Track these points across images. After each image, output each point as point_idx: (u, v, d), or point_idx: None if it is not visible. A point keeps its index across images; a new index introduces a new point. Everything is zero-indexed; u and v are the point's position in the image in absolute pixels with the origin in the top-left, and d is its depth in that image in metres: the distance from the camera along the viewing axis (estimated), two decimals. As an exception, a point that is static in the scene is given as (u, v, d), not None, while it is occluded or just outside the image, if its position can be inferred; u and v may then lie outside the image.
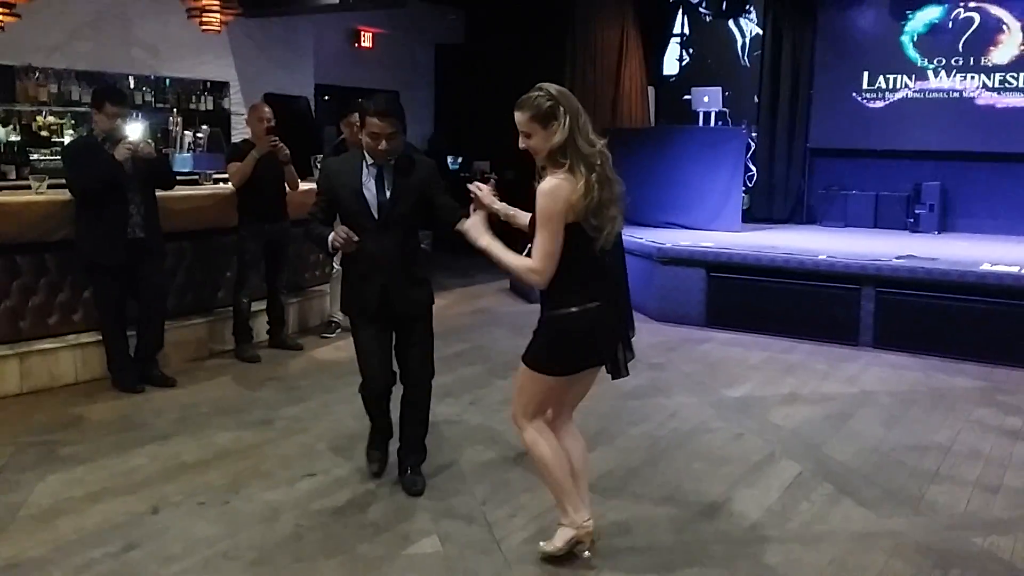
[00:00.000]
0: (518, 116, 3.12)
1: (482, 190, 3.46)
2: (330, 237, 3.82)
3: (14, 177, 7.46)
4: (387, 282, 3.89)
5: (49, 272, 5.65)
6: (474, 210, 3.48)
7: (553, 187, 3.04)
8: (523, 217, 3.42)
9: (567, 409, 3.47)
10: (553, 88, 3.11)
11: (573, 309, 3.13)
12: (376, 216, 3.87)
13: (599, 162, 3.06)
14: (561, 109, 3.04)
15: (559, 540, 3.37)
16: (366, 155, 3.88)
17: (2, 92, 7.93)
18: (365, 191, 3.87)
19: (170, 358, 6.01)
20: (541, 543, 3.44)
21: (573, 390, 3.40)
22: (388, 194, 3.87)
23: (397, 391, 4.15)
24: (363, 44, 12.11)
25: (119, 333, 5.60)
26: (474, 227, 3.34)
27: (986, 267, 6.89)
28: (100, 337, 5.66)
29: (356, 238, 3.76)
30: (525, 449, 3.42)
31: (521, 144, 3.16)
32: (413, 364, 4.05)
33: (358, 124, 4.05)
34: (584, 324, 3.15)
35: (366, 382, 4.08)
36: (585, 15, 11.24)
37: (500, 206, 3.49)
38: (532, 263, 3.09)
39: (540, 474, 3.42)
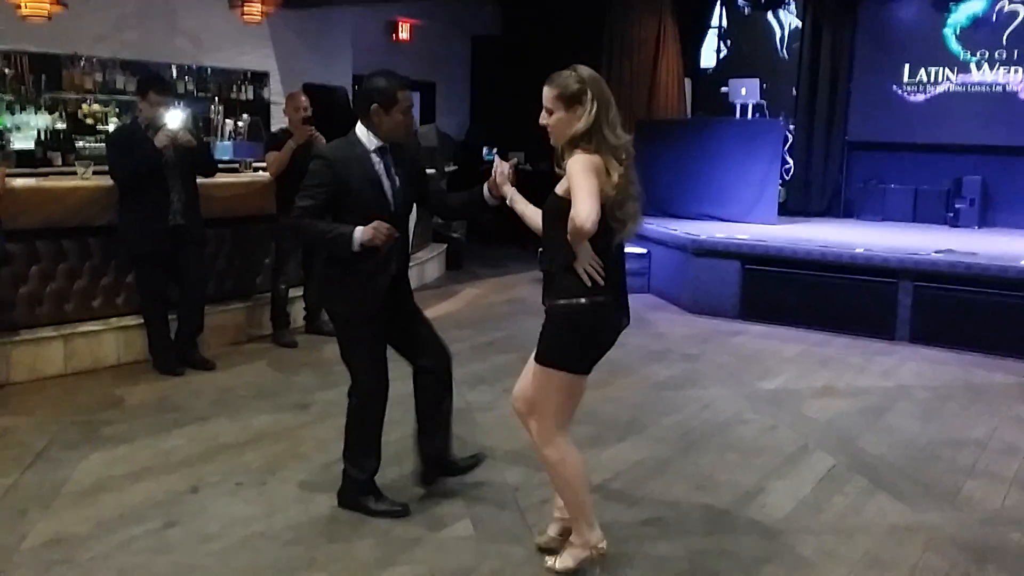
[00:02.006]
0: (545, 91, 2.98)
1: (502, 169, 3.44)
2: (358, 234, 3.41)
3: (60, 164, 7.61)
4: (396, 274, 3.63)
5: (93, 256, 5.78)
6: (487, 186, 3.49)
7: (586, 156, 2.88)
8: (532, 213, 3.25)
9: None
10: (586, 72, 2.97)
11: (582, 300, 2.95)
12: (392, 206, 3.60)
13: (624, 156, 2.96)
14: (589, 95, 2.91)
15: (571, 560, 3.17)
16: (367, 140, 3.58)
17: (49, 80, 8.09)
18: (384, 180, 3.57)
19: (209, 342, 6.12)
20: (548, 559, 3.24)
21: None
22: (397, 181, 3.62)
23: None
24: (400, 36, 12.17)
25: (160, 317, 5.71)
26: (503, 175, 3.36)
27: (1027, 262, 6.79)
28: (142, 320, 5.78)
29: (398, 234, 3.51)
30: (546, 467, 3.17)
31: (542, 120, 3.01)
32: (432, 342, 3.79)
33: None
34: (593, 319, 2.99)
35: (372, 392, 3.66)
36: (622, 6, 11.20)
37: (511, 191, 3.38)
38: (577, 208, 2.76)
39: (561, 492, 3.20)
